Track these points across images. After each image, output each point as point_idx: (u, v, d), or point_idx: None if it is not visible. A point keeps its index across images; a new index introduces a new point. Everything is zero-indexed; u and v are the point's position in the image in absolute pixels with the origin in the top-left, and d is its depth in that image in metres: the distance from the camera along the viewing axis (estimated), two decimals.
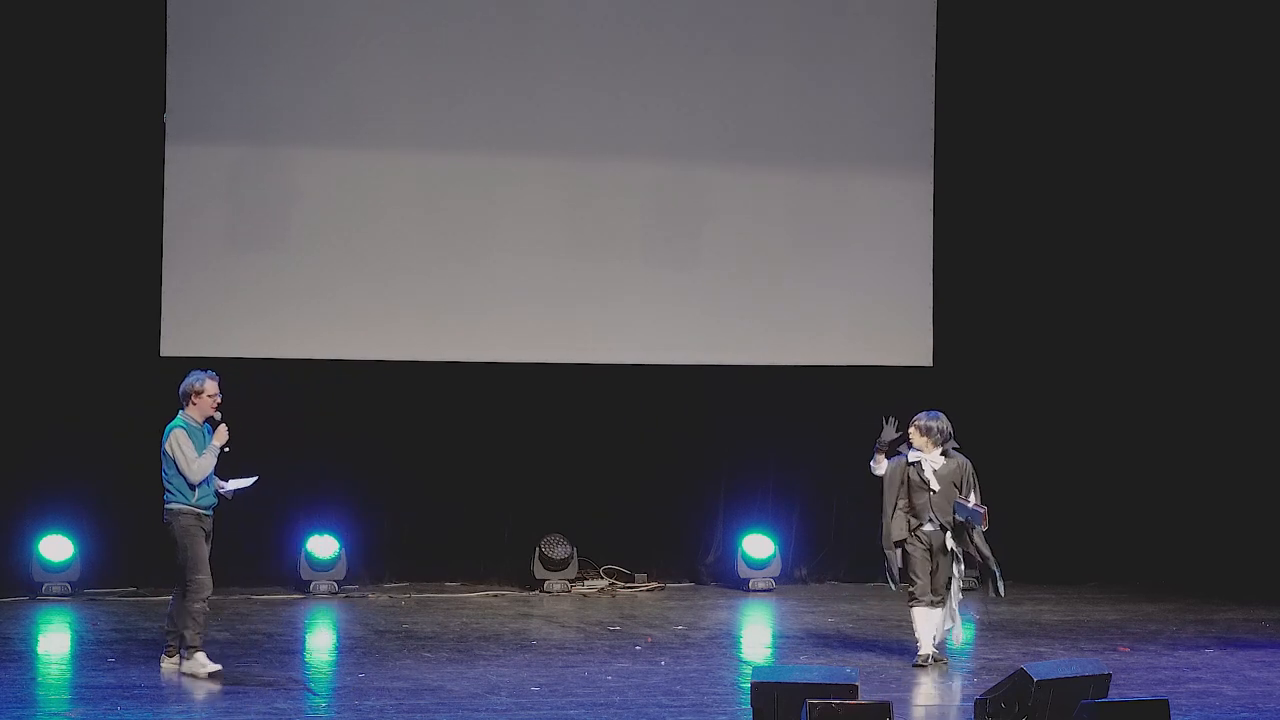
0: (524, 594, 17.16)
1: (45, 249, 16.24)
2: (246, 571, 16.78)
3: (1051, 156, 18.17)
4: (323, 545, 16.90)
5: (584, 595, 17.20)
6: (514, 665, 13.53)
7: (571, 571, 17.37)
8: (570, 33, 17.10)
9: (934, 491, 13.64)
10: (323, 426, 16.77)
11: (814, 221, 17.65)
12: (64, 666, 13.82)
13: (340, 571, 16.92)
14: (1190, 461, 17.97)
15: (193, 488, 12.91)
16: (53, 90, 16.15)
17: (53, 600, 16.13)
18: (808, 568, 18.16)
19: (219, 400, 13.04)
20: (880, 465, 13.74)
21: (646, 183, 17.28)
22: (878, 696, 11.19)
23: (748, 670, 12.88)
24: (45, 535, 16.33)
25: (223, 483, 13.16)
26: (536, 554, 17.28)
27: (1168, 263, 18.25)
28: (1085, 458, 18.32)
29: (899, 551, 13.74)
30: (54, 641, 14.73)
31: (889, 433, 13.67)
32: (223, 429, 13.01)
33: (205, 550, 12.98)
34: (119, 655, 13.68)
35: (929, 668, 13.48)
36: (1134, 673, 13.37)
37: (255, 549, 16.82)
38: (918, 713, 12.27)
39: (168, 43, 16.24)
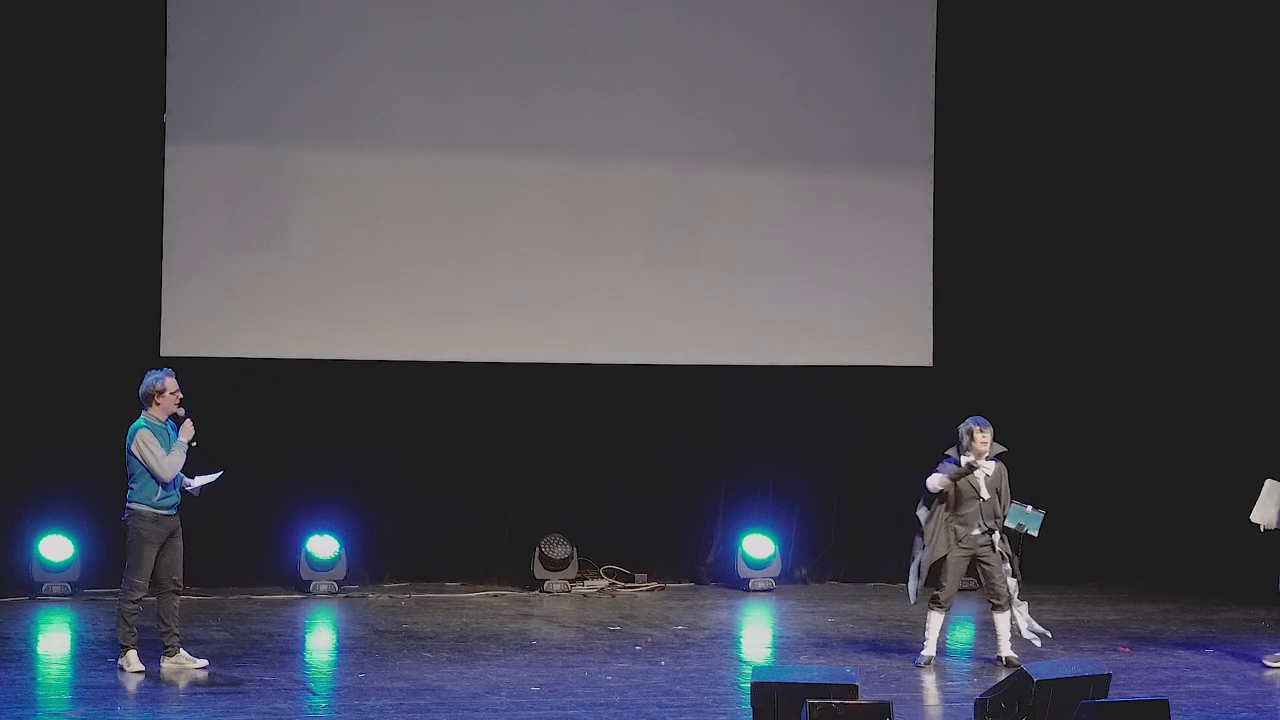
0: (524, 594, 17.16)
1: (46, 249, 16.25)
2: (246, 571, 16.80)
3: (1051, 156, 18.18)
4: (323, 545, 16.90)
5: (584, 595, 17.20)
6: (514, 665, 13.53)
7: (571, 571, 17.38)
8: (570, 33, 17.10)
9: (983, 499, 13.68)
10: (323, 426, 16.78)
11: (814, 221, 17.66)
12: (64, 666, 13.82)
13: (340, 571, 16.93)
14: (1190, 461, 17.96)
15: (164, 486, 12.91)
16: (53, 90, 16.15)
17: (53, 600, 16.13)
18: (808, 568, 18.17)
19: (180, 396, 13.06)
20: (942, 481, 13.66)
21: (647, 182, 17.29)
22: (878, 696, 11.19)
23: (748, 670, 12.88)
24: (45, 535, 16.34)
25: (189, 480, 13.17)
26: (536, 554, 17.28)
27: (1167, 263, 18.26)
28: (1085, 458, 18.33)
29: (938, 556, 13.71)
30: (54, 641, 14.73)
31: (960, 470, 13.68)
32: (188, 425, 13.03)
33: (150, 556, 12.94)
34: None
35: (929, 669, 13.52)
36: (1134, 673, 13.37)
37: (255, 549, 16.83)
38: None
39: (168, 43, 16.25)
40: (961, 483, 13.67)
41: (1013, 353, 18.24)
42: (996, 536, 13.71)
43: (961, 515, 13.67)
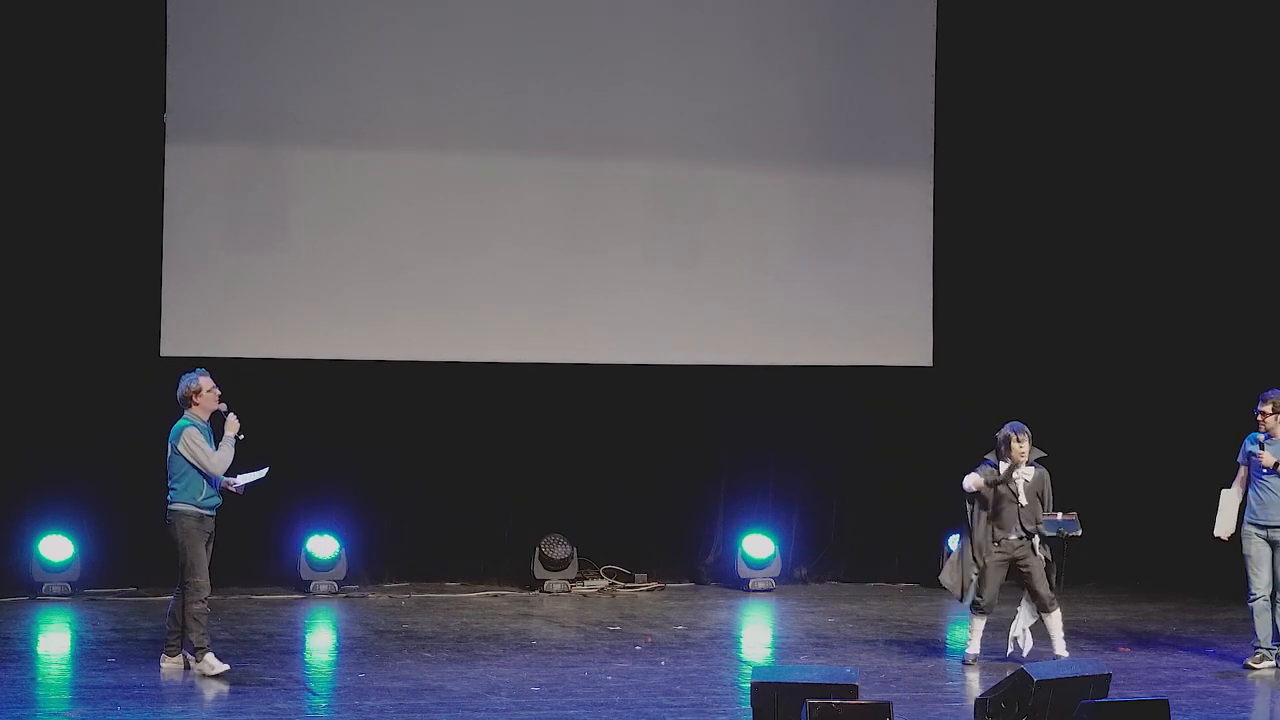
0: (524, 594, 17.16)
1: (45, 249, 16.25)
2: (246, 571, 16.79)
3: (1051, 157, 18.17)
4: (323, 545, 16.90)
5: (584, 595, 17.20)
6: (514, 665, 13.53)
7: (571, 571, 17.38)
8: (570, 33, 17.10)
9: (1022, 505, 13.77)
10: (323, 426, 16.78)
11: (814, 221, 17.66)
12: (64, 666, 13.82)
13: (340, 571, 16.93)
14: (1191, 461, 17.94)
15: (211, 484, 12.89)
16: (53, 90, 16.15)
17: (53, 600, 16.13)
18: (808, 568, 18.17)
19: (219, 393, 13.05)
20: (976, 482, 13.77)
21: (647, 183, 17.28)
22: (878, 696, 11.19)
23: (748, 670, 12.88)
24: (45, 535, 16.33)
25: (232, 479, 13.13)
26: (536, 554, 17.28)
27: (1167, 263, 18.25)
28: (1085, 457, 18.31)
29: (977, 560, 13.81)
30: (54, 641, 14.73)
31: (997, 476, 13.76)
32: (233, 419, 13.03)
33: (205, 553, 12.95)
34: (119, 655, 13.68)
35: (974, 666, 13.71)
36: (1134, 673, 13.38)
37: (255, 549, 16.82)
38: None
39: (168, 43, 16.24)
40: (1000, 487, 13.73)
41: (1013, 353, 18.24)
42: (1036, 541, 13.79)
43: (1000, 520, 13.76)
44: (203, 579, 12.93)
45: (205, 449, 12.87)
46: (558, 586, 17.22)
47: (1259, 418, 13.88)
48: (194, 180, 16.36)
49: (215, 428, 13.11)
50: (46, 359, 16.25)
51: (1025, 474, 13.85)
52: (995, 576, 13.86)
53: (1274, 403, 13.89)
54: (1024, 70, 18.06)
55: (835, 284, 17.67)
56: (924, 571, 18.06)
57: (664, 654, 14.09)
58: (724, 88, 17.38)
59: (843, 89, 17.65)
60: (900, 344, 17.86)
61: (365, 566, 17.21)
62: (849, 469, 17.99)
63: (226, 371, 16.00)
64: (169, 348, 16.23)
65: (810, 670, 11.44)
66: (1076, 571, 18.11)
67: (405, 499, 17.29)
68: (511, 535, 17.49)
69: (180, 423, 12.96)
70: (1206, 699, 12.56)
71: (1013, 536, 13.82)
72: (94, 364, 16.28)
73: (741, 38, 17.43)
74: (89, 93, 16.19)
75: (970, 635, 13.94)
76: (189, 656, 13.05)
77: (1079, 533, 13.86)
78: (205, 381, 13.06)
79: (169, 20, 16.24)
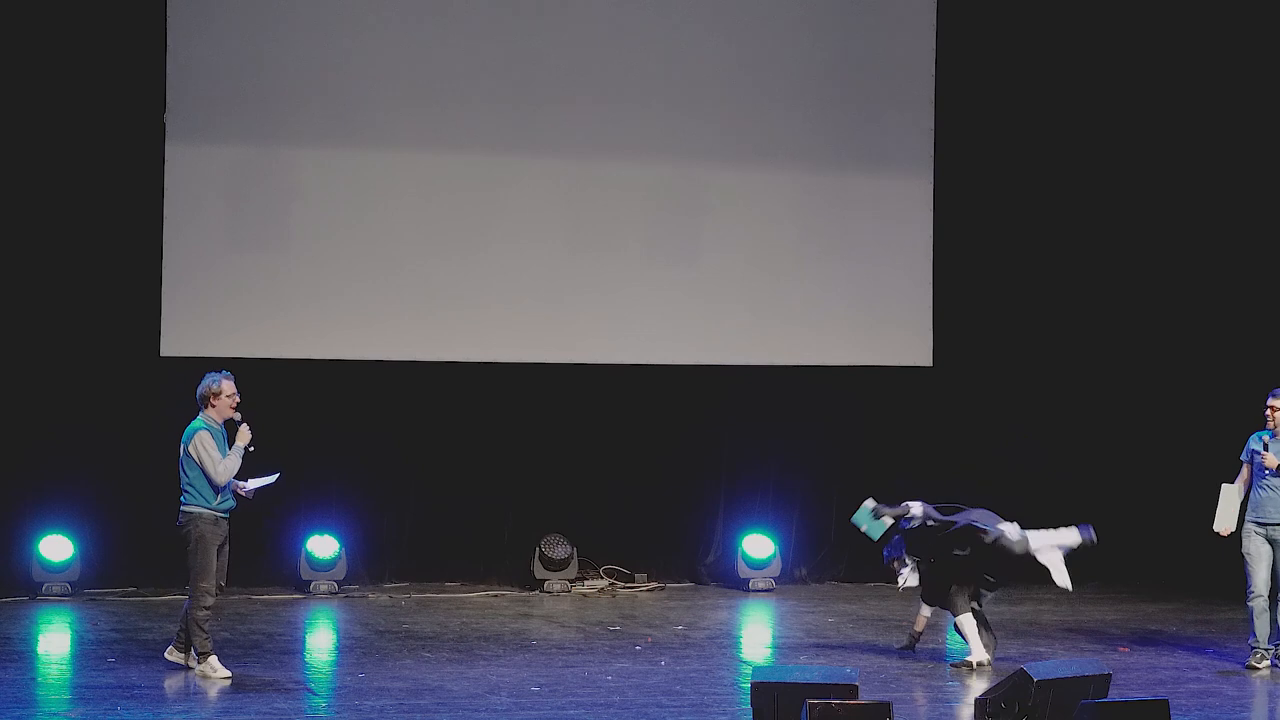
0: (524, 594, 17.16)
1: (45, 249, 16.25)
2: (246, 571, 16.76)
3: (1051, 157, 18.18)
4: (323, 545, 16.90)
5: (584, 595, 17.20)
6: (514, 665, 13.53)
7: (571, 571, 17.38)
8: (570, 33, 17.10)
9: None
10: (323, 426, 16.77)
11: (814, 221, 17.66)
12: (64, 666, 13.82)
13: (340, 571, 16.93)
14: (1191, 461, 17.93)
15: (217, 491, 12.84)
16: (53, 90, 16.15)
17: (53, 600, 16.12)
18: (808, 568, 18.17)
19: (237, 400, 12.98)
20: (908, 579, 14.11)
21: (647, 183, 17.28)
22: (878, 696, 11.19)
23: (748, 670, 12.89)
24: (45, 535, 16.33)
25: (242, 483, 13.08)
26: (536, 554, 17.28)
27: (1167, 262, 18.25)
28: (1085, 457, 18.33)
29: None
30: (54, 641, 14.73)
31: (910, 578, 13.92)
32: (244, 429, 12.93)
33: (215, 559, 12.89)
34: (119, 655, 13.68)
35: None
36: (1134, 673, 13.37)
37: (255, 549, 16.81)
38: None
39: (168, 43, 16.24)
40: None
41: (1013, 353, 18.24)
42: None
43: None
44: (210, 584, 12.85)
45: (214, 455, 12.80)
46: (558, 586, 17.22)
47: (1268, 412, 13.85)
48: (194, 180, 16.35)
49: (232, 432, 13.02)
50: (47, 359, 16.25)
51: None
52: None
53: None
54: (1024, 70, 18.06)
55: (835, 284, 17.68)
56: None
57: (664, 654, 14.09)
58: (724, 87, 17.38)
59: (843, 89, 17.65)
60: (900, 344, 17.86)
61: (365, 566, 17.21)
62: (849, 469, 17.98)
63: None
64: (169, 348, 16.23)
65: (810, 670, 11.44)
66: (1077, 571, 18.14)
67: (405, 499, 17.29)
68: (511, 535, 17.49)
69: (194, 424, 12.88)
70: (1206, 699, 12.56)
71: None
72: (94, 364, 16.28)
73: (742, 38, 17.42)
74: (89, 93, 16.19)
75: (970, 639, 13.90)
76: (193, 658, 13.03)
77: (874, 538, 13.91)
78: (228, 385, 12.96)
79: (169, 20, 16.24)
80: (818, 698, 10.44)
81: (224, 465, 12.80)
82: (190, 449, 12.80)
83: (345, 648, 14.70)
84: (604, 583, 17.51)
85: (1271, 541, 13.69)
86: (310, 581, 16.82)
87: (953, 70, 17.84)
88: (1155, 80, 18.14)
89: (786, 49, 17.53)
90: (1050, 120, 18.14)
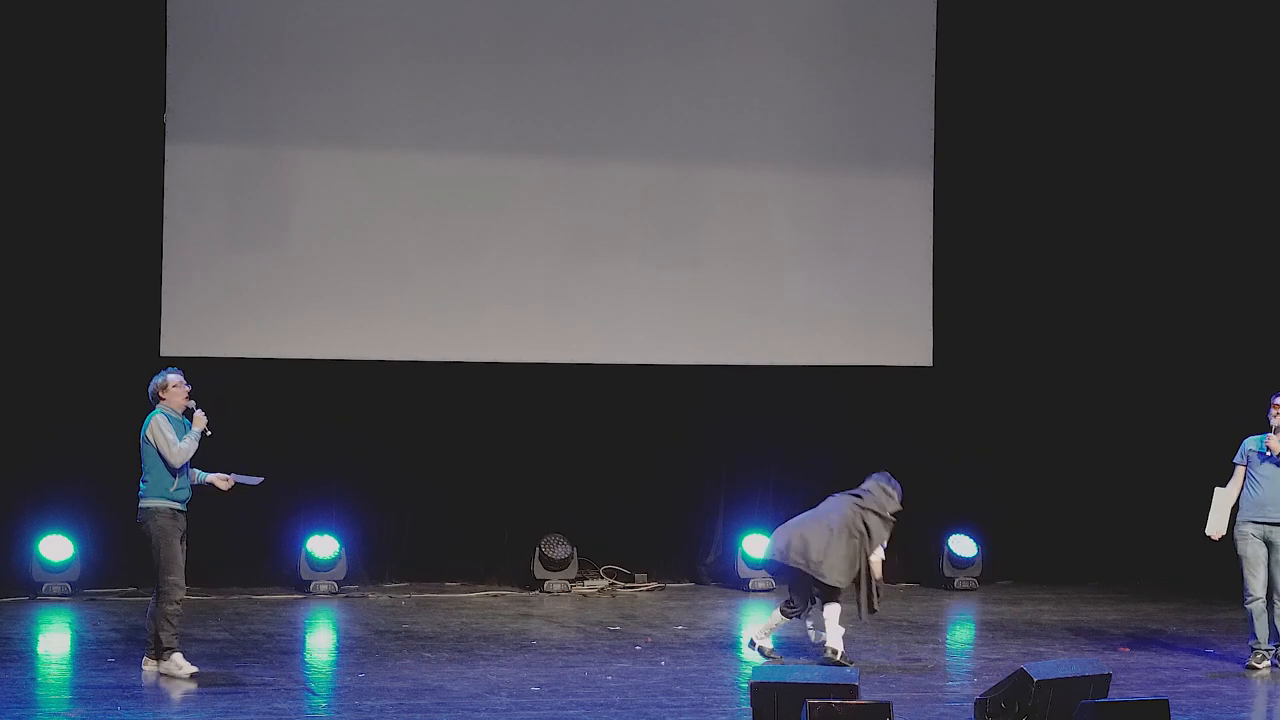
0: (524, 594, 17.16)
1: (45, 249, 16.25)
2: (246, 571, 16.80)
3: (1052, 157, 18.18)
4: (323, 545, 16.90)
5: (584, 595, 17.20)
6: (514, 665, 13.53)
7: (571, 571, 17.38)
8: (570, 33, 17.10)
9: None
10: (323, 426, 16.78)
11: (814, 221, 17.66)
12: (64, 666, 13.81)
13: (340, 571, 16.93)
14: (1191, 461, 17.93)
15: (174, 474, 12.86)
16: (53, 90, 16.15)
17: (53, 600, 16.13)
18: None
19: (189, 389, 13.04)
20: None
21: (647, 183, 17.29)
22: (878, 696, 11.19)
23: (748, 670, 12.88)
24: (45, 535, 16.33)
25: (227, 475, 13.15)
26: (536, 554, 17.28)
27: (1167, 262, 18.25)
28: (1085, 457, 18.33)
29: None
30: (54, 641, 14.73)
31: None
32: (200, 414, 13.00)
33: (180, 551, 12.90)
34: (119, 655, 13.67)
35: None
36: (1134, 673, 13.38)
37: (255, 549, 16.83)
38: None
39: (168, 43, 16.25)
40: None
41: (1013, 353, 18.24)
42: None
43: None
44: (178, 578, 12.86)
45: (169, 437, 12.85)
46: (558, 586, 17.22)
47: (1272, 411, 13.82)
48: (194, 180, 16.36)
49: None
50: (47, 359, 16.25)
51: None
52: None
53: None
54: (1024, 70, 18.06)
55: (835, 284, 17.68)
56: (924, 571, 18.08)
57: (664, 654, 14.09)
58: (724, 88, 17.38)
59: (843, 89, 17.66)
60: (900, 344, 17.87)
61: (365, 566, 17.21)
62: (849, 469, 17.94)
63: (226, 371, 16.08)
64: (169, 348, 16.23)
65: (810, 670, 11.45)
66: (1077, 571, 18.18)
67: (405, 499, 17.29)
68: (511, 535, 17.49)
69: (151, 413, 12.98)
70: (1206, 699, 12.56)
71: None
72: (94, 364, 16.28)
73: (741, 38, 17.43)
74: (89, 93, 16.20)
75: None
76: (156, 657, 13.02)
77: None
78: (174, 378, 13.06)
79: (169, 20, 16.25)
80: (818, 698, 10.45)
81: (179, 447, 12.85)
82: (148, 433, 12.87)
83: (345, 648, 14.70)
84: (604, 583, 17.51)
85: (1269, 543, 13.67)
86: (310, 581, 16.82)
87: (953, 71, 17.84)
88: (1156, 80, 18.14)
89: (786, 48, 17.53)
90: (1051, 120, 18.14)
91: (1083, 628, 15.57)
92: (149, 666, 13.04)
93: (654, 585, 17.63)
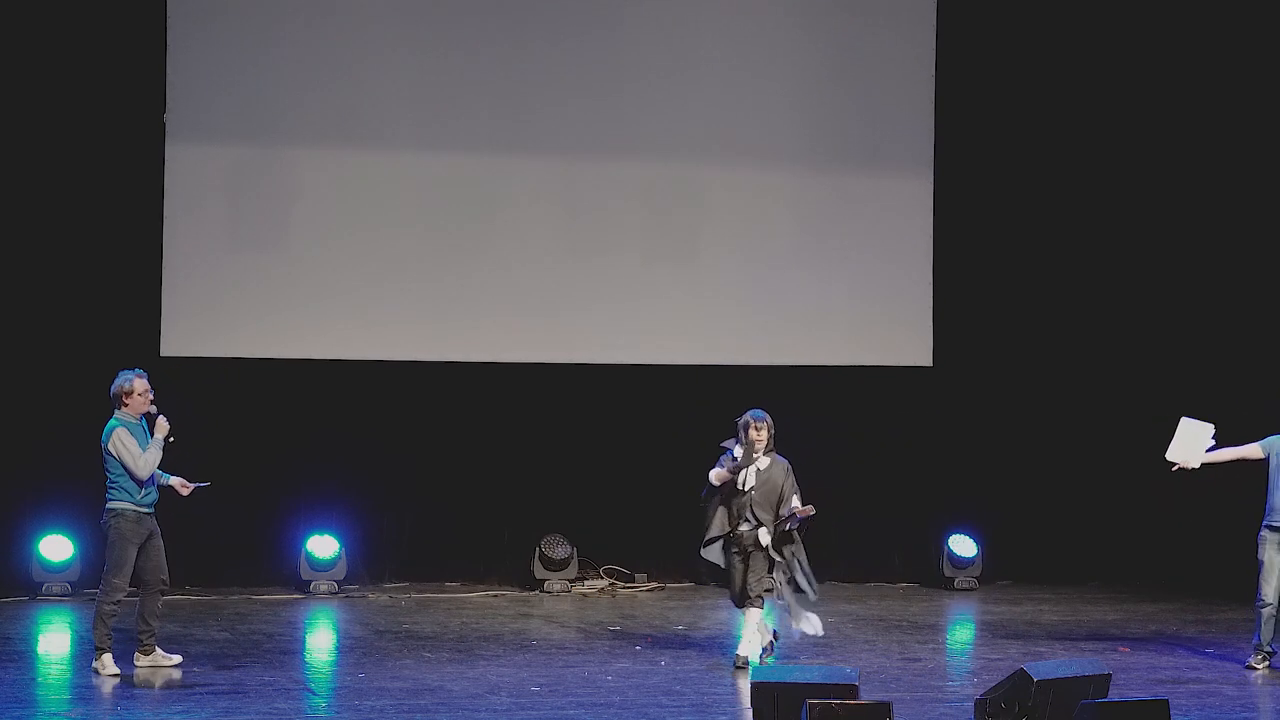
0: (524, 594, 17.16)
1: (45, 249, 16.25)
2: (246, 571, 16.79)
3: (1052, 157, 18.18)
4: (323, 545, 16.90)
5: (584, 595, 17.20)
6: (514, 665, 13.52)
7: (571, 571, 17.38)
8: (571, 33, 17.10)
9: (754, 496, 13.60)
10: (323, 426, 16.77)
11: (814, 222, 17.66)
12: (64, 666, 13.81)
13: (340, 571, 16.93)
14: None
15: (140, 485, 12.90)
16: (53, 90, 16.15)
17: (53, 600, 16.13)
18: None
19: (151, 395, 13.04)
20: (718, 477, 13.66)
21: (647, 183, 17.29)
22: (878, 696, 11.19)
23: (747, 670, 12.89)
24: (45, 535, 16.33)
25: (186, 483, 13.16)
26: (536, 554, 17.29)
27: (1168, 261, 18.25)
28: (1085, 457, 18.33)
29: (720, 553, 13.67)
30: (54, 641, 14.73)
31: (742, 456, 13.59)
32: (162, 420, 13.02)
33: (132, 556, 12.93)
34: (119, 655, 13.65)
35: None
36: (1134, 673, 13.37)
37: (255, 549, 16.83)
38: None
39: (168, 43, 16.25)
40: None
41: (1013, 353, 18.24)
42: (763, 532, 13.59)
43: (731, 510, 13.62)
44: (123, 581, 12.94)
45: (133, 449, 12.88)
46: (558, 586, 17.22)
47: None
48: (194, 180, 16.36)
49: (152, 426, 13.08)
50: (47, 359, 16.25)
51: (760, 463, 13.64)
52: (738, 570, 13.65)
53: None
54: (1024, 70, 18.06)
55: (835, 284, 17.67)
56: (924, 571, 18.08)
57: (664, 654, 14.09)
58: (724, 88, 17.38)
59: (843, 89, 17.65)
60: (900, 344, 17.87)
61: (365, 566, 17.21)
62: (849, 469, 17.98)
63: (226, 371, 16.10)
64: (169, 348, 16.24)
65: (810, 670, 11.44)
66: (1077, 571, 18.18)
67: (405, 499, 17.29)
68: (511, 535, 17.48)
69: (110, 423, 13.01)
70: (1206, 699, 12.56)
71: (743, 527, 13.65)
72: (94, 364, 16.23)
73: (741, 38, 17.43)
74: (89, 93, 16.19)
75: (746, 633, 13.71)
76: (159, 651, 13.06)
77: (803, 515, 13.49)
78: (140, 384, 13.04)
79: (169, 20, 16.25)
80: (818, 698, 10.45)
81: (144, 459, 12.88)
82: (110, 447, 12.91)
83: (345, 648, 14.69)
84: (604, 583, 17.51)
85: None
86: (310, 581, 16.82)
87: (953, 70, 17.84)
88: (1156, 80, 18.14)
89: (786, 48, 17.54)
90: (1051, 120, 18.14)
91: (1083, 628, 15.57)
92: (141, 662, 13.07)
93: (654, 585, 17.62)
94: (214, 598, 16.20)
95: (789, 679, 11.02)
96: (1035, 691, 11.08)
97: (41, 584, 16.27)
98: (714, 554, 13.78)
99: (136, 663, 13.12)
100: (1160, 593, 17.37)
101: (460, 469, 17.24)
